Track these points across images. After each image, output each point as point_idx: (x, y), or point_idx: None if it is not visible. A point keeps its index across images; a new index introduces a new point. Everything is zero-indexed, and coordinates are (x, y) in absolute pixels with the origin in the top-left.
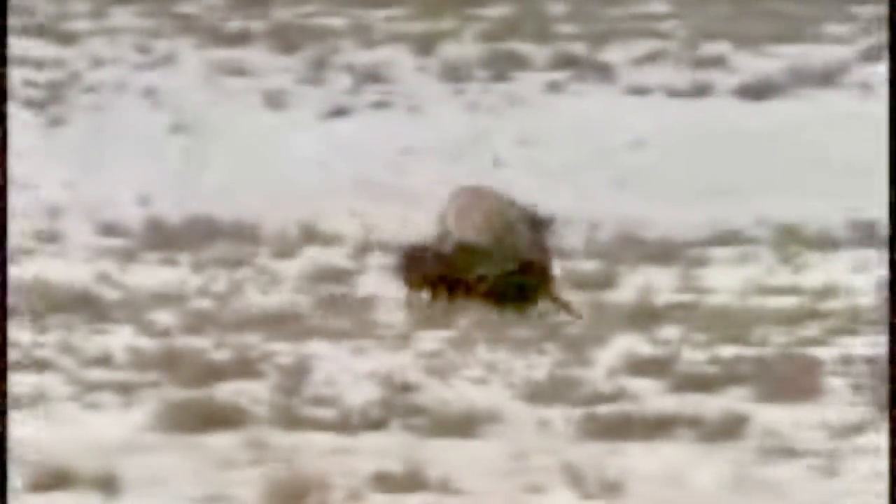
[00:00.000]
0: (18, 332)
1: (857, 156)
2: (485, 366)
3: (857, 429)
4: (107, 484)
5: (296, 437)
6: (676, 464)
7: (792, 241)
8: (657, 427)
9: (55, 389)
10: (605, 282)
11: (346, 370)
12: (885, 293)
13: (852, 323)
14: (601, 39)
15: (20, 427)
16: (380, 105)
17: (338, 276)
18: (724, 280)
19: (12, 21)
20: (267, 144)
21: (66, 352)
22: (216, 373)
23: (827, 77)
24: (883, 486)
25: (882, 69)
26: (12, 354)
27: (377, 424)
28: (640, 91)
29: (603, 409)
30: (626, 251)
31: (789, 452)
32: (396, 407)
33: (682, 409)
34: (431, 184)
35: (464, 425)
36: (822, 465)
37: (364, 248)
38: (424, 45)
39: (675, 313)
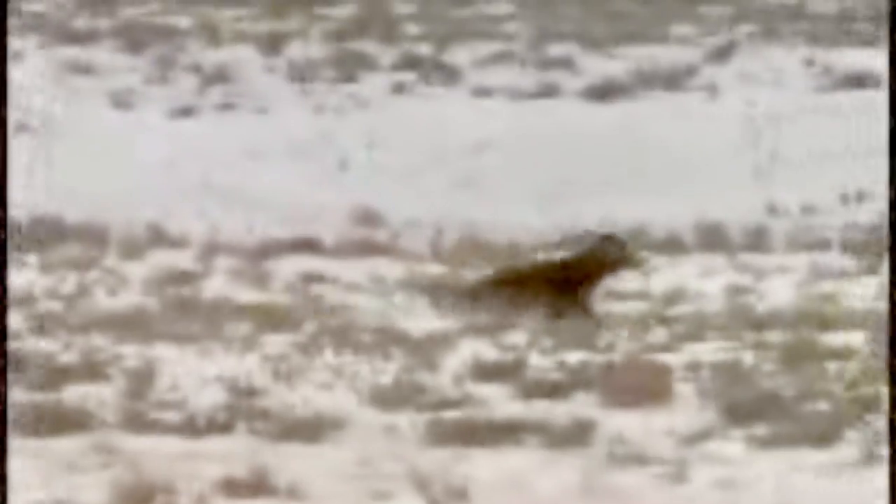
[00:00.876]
0: None
1: (704, 158)
2: (331, 370)
3: (705, 436)
4: None
5: (142, 441)
6: (523, 470)
7: (638, 244)
8: (504, 433)
9: None
10: (450, 285)
11: (193, 374)
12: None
13: (699, 329)
14: (447, 40)
15: None
16: (226, 106)
17: (185, 278)
18: None
19: None
20: (114, 144)
21: None
22: (63, 376)
23: (673, 78)
24: (730, 494)
25: (728, 71)
26: None
27: (223, 428)
28: (485, 93)
29: (449, 415)
30: (471, 254)
31: (636, 459)
32: (242, 411)
33: (529, 415)
34: (277, 185)
35: (310, 430)
36: (670, 473)
37: (211, 251)
38: (271, 45)
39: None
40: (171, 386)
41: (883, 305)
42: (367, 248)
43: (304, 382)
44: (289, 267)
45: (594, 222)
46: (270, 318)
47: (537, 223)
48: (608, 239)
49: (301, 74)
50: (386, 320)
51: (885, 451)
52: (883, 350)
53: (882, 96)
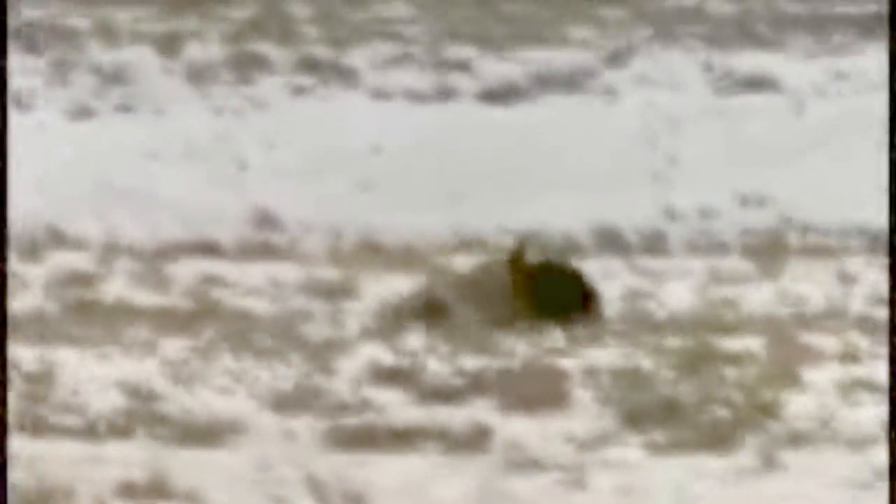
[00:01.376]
0: None
1: (602, 161)
2: (230, 375)
3: (603, 442)
4: None
5: (41, 445)
6: (421, 476)
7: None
8: (402, 439)
9: None
10: (348, 289)
11: (92, 378)
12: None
13: (597, 333)
14: (345, 43)
15: None
16: (125, 107)
17: (84, 280)
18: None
19: None
20: (13, 146)
21: None
22: None
23: (571, 82)
24: (629, 500)
25: (626, 74)
26: None
27: (123, 433)
28: (383, 95)
29: (347, 420)
30: (369, 258)
31: (535, 465)
32: (142, 416)
33: (427, 420)
34: (176, 187)
35: (209, 435)
36: (568, 479)
37: (110, 253)
38: (169, 46)
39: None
40: (71, 390)
41: (783, 310)
42: (266, 252)
43: (203, 387)
44: (188, 270)
45: (492, 226)
46: (169, 322)
47: (436, 227)
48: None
49: (200, 76)
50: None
51: (784, 457)
52: (783, 355)
53: (780, 100)
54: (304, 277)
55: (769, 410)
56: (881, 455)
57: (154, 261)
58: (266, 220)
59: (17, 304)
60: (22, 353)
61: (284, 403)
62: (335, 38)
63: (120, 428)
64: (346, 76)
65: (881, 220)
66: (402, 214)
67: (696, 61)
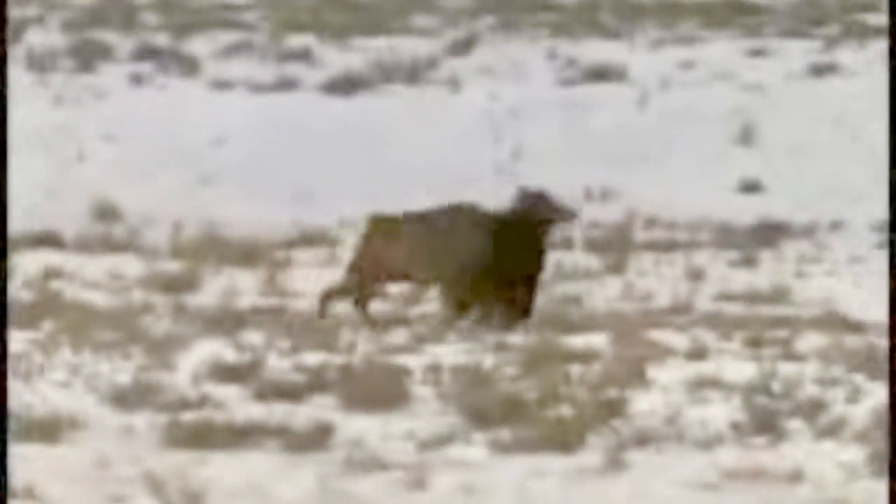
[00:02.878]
0: None
1: (445, 153)
2: (69, 369)
3: (446, 440)
4: None
5: None
6: (261, 474)
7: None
8: (242, 436)
9: None
10: (189, 283)
11: None
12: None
13: (440, 330)
14: (185, 30)
15: None
16: None
17: None
18: (310, 283)
19: None
20: None
21: None
22: None
23: (414, 72)
24: (472, 500)
25: (470, 64)
26: None
27: None
28: (223, 85)
29: (187, 417)
30: (210, 252)
31: (376, 464)
32: None
33: (268, 417)
34: (17, 178)
35: (48, 430)
36: (410, 478)
37: None
38: (10, 33)
39: (259, 317)
40: None
41: (628, 306)
42: (106, 244)
43: (42, 381)
44: (29, 262)
45: (334, 219)
46: (10, 315)
47: (277, 220)
48: (537, 196)
49: (40, 64)
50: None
51: (629, 456)
52: (628, 352)
53: (626, 90)
54: (144, 270)
55: (614, 409)
56: (728, 455)
57: None
58: (106, 211)
59: None
60: None
61: (123, 398)
62: (176, 26)
63: None
64: (186, 65)
65: (728, 213)
66: (243, 207)
67: (540, 50)
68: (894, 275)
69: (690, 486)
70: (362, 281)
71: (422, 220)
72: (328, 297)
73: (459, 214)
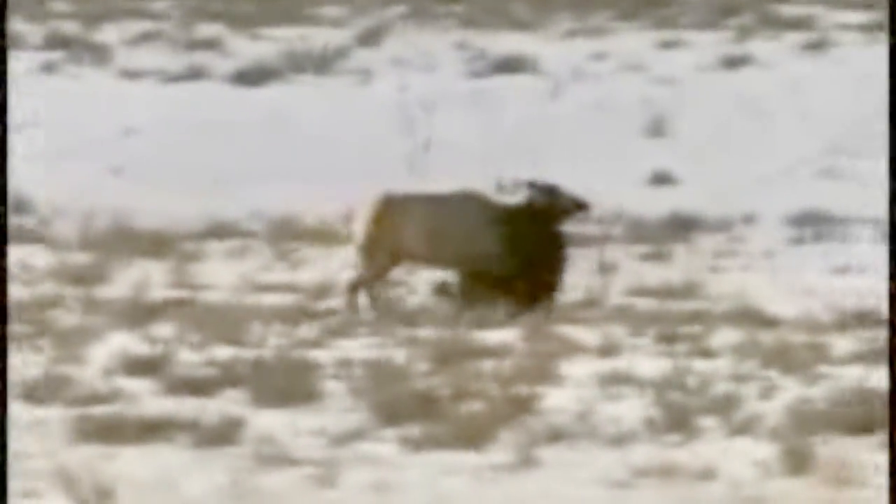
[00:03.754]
0: None
1: (356, 145)
2: None
3: (356, 436)
4: None
5: None
6: (171, 469)
7: (288, 235)
8: (152, 430)
9: None
10: (99, 275)
11: None
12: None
13: (350, 324)
14: (96, 19)
15: None
16: None
17: None
18: (220, 276)
19: None
20: None
21: None
22: None
23: (324, 62)
24: (382, 496)
25: (380, 54)
26: None
27: None
28: (134, 75)
29: (97, 410)
30: (120, 244)
31: (286, 460)
32: None
33: (178, 412)
34: None
35: None
36: (320, 474)
37: None
38: None
39: (169, 310)
40: None
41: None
42: (16, 236)
43: None
44: None
45: (245, 211)
46: None
47: (187, 211)
48: (549, 189)
49: None
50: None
51: (541, 453)
52: (540, 347)
53: (537, 82)
54: (54, 262)
55: (526, 405)
56: (641, 452)
57: None
58: (17, 203)
59: None
60: None
61: (34, 392)
62: (86, 14)
63: None
64: (96, 54)
65: (640, 206)
66: (153, 198)
67: (450, 41)
68: (894, 275)
69: (603, 484)
70: (376, 265)
71: (434, 203)
72: (354, 288)
73: (472, 201)
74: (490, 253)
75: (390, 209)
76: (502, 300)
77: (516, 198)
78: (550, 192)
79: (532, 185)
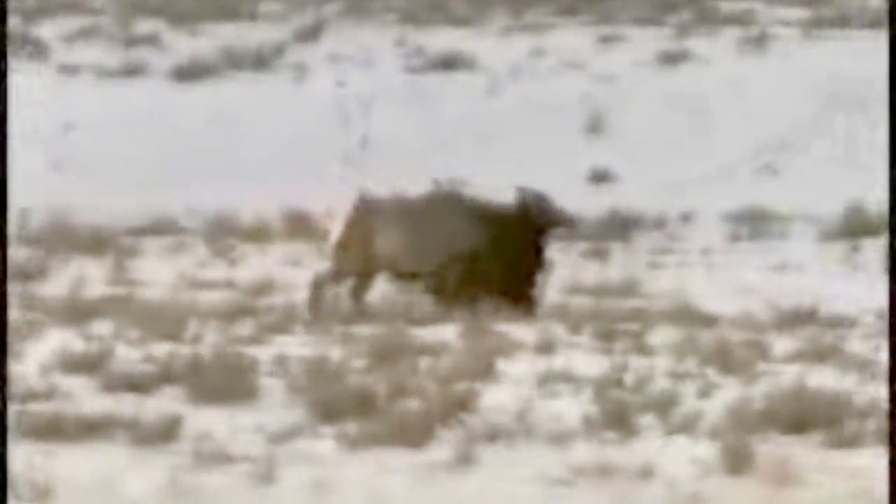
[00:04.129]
0: None
1: (293, 142)
2: None
3: (294, 433)
4: None
5: None
6: (110, 468)
7: (225, 232)
8: (90, 428)
9: None
10: (37, 272)
11: None
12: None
13: (287, 321)
14: (34, 14)
15: None
16: None
17: None
18: (157, 273)
19: None
20: None
21: None
22: None
23: (261, 58)
24: (320, 494)
25: (317, 50)
26: None
27: None
28: (72, 70)
29: (35, 408)
30: (59, 240)
31: (224, 458)
32: None
33: (117, 409)
34: None
35: None
36: (258, 472)
37: None
38: None
39: (107, 307)
40: None
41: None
42: None
43: None
44: None
45: (183, 207)
46: None
47: (125, 207)
48: (537, 198)
49: None
50: None
51: (479, 452)
52: (478, 345)
53: (475, 78)
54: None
55: (464, 403)
56: (579, 450)
57: None
58: None
59: None
60: None
61: None
62: (24, 10)
63: None
64: (36, 49)
65: (579, 203)
66: (92, 195)
67: (389, 38)
68: (894, 276)
69: (541, 482)
70: (348, 264)
71: (410, 205)
72: (319, 286)
73: (449, 203)
74: (462, 255)
75: (367, 210)
76: (479, 301)
77: (502, 201)
78: (538, 201)
79: (521, 191)
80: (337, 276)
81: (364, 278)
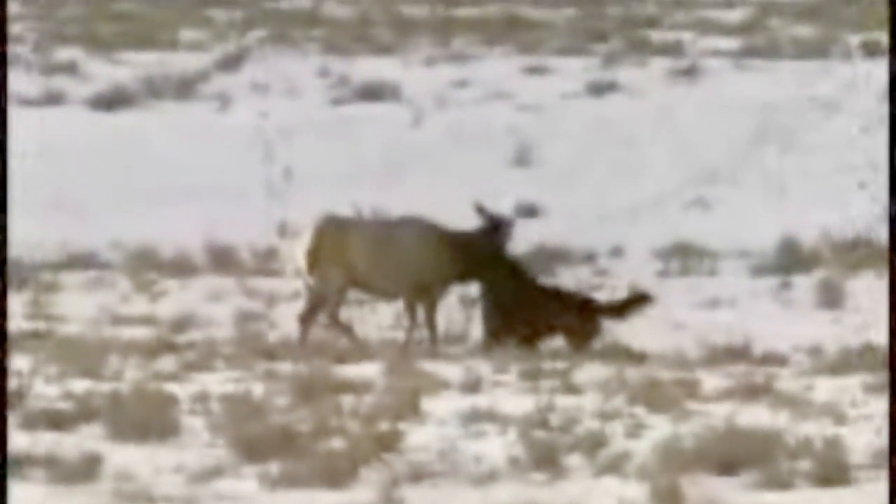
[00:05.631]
0: None
1: (214, 173)
2: None
3: (215, 473)
4: None
5: None
6: None
7: (147, 266)
8: (8, 466)
9: None
10: None
11: None
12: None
13: (209, 357)
14: None
15: None
16: None
17: None
18: (77, 307)
19: None
20: None
21: None
22: None
23: (183, 87)
24: None
25: (239, 79)
26: None
27: None
28: None
29: None
30: None
31: (145, 497)
32: None
33: (35, 447)
34: None
35: None
36: None
37: None
38: None
39: (26, 342)
40: None
41: (400, 335)
42: None
43: None
44: None
45: (104, 240)
46: None
47: (43, 239)
48: (506, 223)
49: None
50: None
51: (403, 492)
52: (402, 383)
53: (399, 109)
54: None
55: (388, 442)
56: (505, 491)
57: None
58: None
59: None
60: None
61: None
62: None
63: None
64: None
65: None
66: (10, 227)
67: (312, 67)
68: (894, 278)
69: None
70: (325, 277)
71: (377, 227)
72: (306, 318)
73: (417, 228)
74: (435, 279)
75: (336, 224)
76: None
77: (470, 226)
78: (507, 225)
79: (490, 216)
80: (317, 298)
81: (340, 294)
